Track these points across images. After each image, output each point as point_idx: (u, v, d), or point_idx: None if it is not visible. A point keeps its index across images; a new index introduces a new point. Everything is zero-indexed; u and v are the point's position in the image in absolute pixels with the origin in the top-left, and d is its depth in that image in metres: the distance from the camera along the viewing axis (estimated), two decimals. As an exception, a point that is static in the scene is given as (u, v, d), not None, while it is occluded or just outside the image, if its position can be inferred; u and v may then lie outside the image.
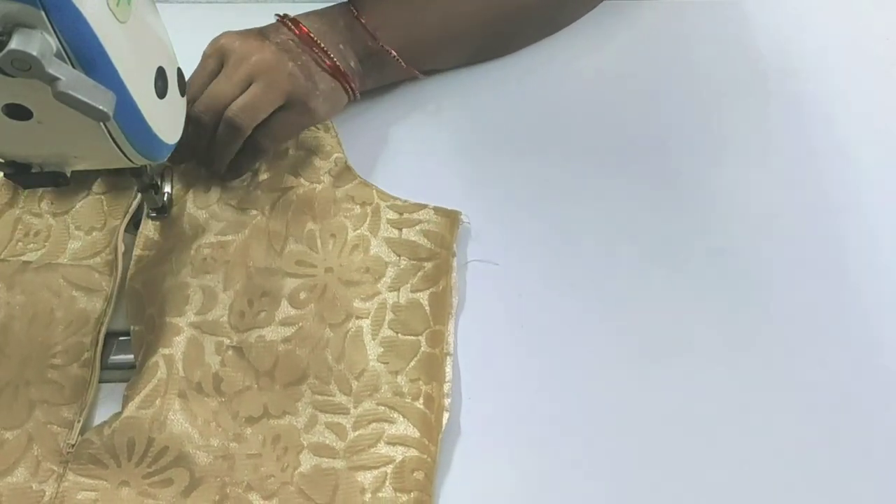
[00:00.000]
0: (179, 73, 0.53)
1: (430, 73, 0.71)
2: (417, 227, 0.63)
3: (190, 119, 0.58)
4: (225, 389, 0.57)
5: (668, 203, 0.66)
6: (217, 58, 0.62)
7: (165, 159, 0.53)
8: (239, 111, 0.59)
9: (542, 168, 0.68)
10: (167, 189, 0.62)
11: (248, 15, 0.75)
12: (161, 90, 0.50)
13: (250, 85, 0.60)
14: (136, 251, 0.62)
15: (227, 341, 0.58)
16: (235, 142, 0.61)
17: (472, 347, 0.60)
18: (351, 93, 0.66)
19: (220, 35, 0.63)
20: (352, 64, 0.65)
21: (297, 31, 0.64)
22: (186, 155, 0.62)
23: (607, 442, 0.57)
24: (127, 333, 0.60)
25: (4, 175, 0.51)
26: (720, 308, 0.62)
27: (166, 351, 0.58)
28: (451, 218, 0.64)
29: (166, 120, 0.51)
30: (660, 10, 0.77)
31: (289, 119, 0.63)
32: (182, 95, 0.54)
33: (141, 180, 0.58)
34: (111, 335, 0.60)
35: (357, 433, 0.56)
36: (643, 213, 0.66)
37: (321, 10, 0.66)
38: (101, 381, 0.58)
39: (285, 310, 0.60)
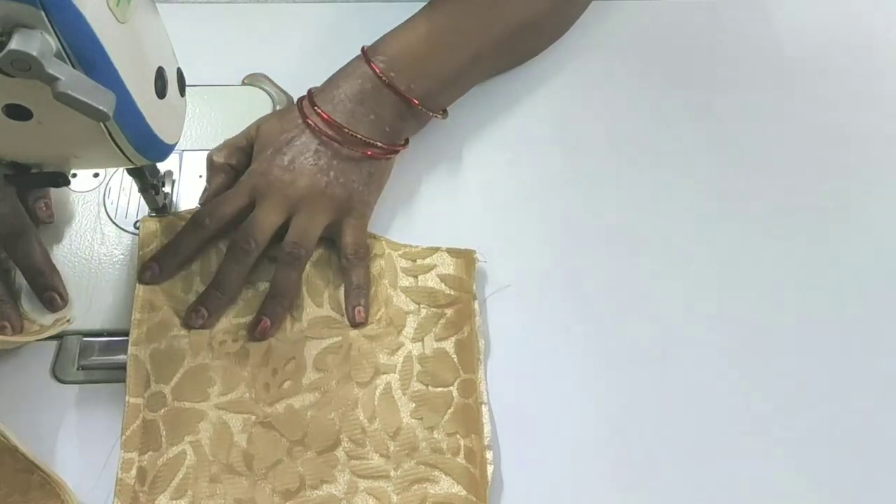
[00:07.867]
0: (179, 73, 0.53)
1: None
2: (433, 272, 0.61)
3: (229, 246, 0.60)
4: (257, 467, 0.54)
5: (678, 210, 0.66)
6: (241, 182, 0.61)
7: (165, 160, 0.53)
8: (294, 245, 0.60)
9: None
10: (167, 189, 0.62)
11: (248, 15, 0.75)
12: (161, 90, 0.50)
13: (292, 214, 0.60)
14: (136, 315, 0.58)
15: (253, 417, 0.56)
16: (298, 270, 0.60)
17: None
18: (394, 155, 0.65)
19: (252, 168, 0.62)
20: (387, 129, 0.63)
21: (322, 128, 0.62)
22: (227, 286, 0.59)
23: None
24: (106, 334, 0.58)
25: (4, 175, 0.51)
26: (736, 314, 0.62)
27: (191, 438, 0.55)
28: (467, 258, 0.61)
29: (166, 120, 0.51)
30: (658, 10, 0.77)
31: (349, 225, 0.62)
32: (182, 95, 0.54)
33: (141, 180, 0.58)
34: (90, 335, 0.58)
35: (400, 497, 0.54)
36: (658, 224, 0.66)
37: (343, 81, 0.64)
38: (94, 382, 0.57)
39: (311, 375, 0.57)
